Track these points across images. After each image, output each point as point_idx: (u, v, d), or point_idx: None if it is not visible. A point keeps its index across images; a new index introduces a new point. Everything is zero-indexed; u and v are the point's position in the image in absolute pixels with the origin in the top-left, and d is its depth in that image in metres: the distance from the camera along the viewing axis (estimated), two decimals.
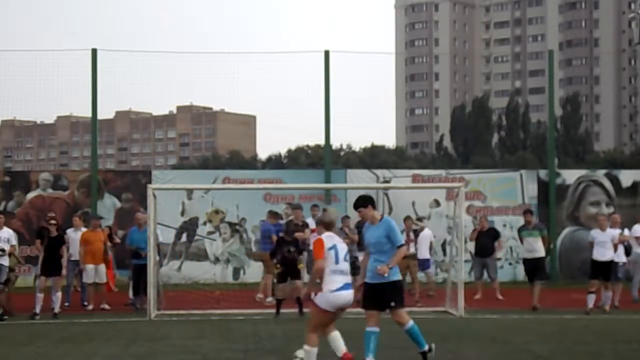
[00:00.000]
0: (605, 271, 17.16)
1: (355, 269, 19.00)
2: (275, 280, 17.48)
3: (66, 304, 17.88)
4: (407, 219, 19.86)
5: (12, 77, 24.08)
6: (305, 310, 16.54)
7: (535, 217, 19.06)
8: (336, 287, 9.97)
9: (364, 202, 10.62)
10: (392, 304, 10.35)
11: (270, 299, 18.43)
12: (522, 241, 18.18)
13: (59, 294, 16.59)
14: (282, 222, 19.41)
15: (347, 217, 19.58)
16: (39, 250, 17.02)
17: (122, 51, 30.77)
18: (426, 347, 10.51)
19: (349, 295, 10.06)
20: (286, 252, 16.56)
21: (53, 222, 16.84)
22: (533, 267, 17.79)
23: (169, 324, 15.57)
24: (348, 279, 10.14)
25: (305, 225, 18.77)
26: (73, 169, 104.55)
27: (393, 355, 11.43)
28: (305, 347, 10.07)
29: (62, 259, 16.65)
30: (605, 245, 17.19)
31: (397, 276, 10.51)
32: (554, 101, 26.21)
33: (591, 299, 16.98)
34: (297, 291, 16.52)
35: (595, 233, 17.48)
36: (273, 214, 19.38)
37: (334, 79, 23.22)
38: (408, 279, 18.98)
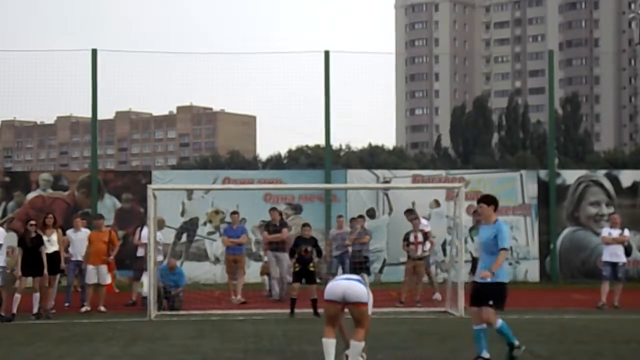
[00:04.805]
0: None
1: (366, 269, 19.15)
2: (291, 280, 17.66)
3: (66, 304, 17.88)
4: (414, 218, 19.66)
5: (12, 77, 24.10)
6: (319, 310, 16.55)
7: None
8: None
9: (490, 200, 10.61)
10: (490, 302, 10.36)
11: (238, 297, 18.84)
12: (473, 240, 17.91)
13: (37, 294, 16.54)
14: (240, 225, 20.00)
15: (361, 216, 19.48)
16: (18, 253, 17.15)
17: (122, 51, 30.84)
18: (516, 342, 10.58)
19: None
20: (303, 250, 16.61)
21: (32, 222, 16.89)
22: None
23: (169, 324, 15.57)
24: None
25: (284, 225, 18.87)
26: (73, 169, 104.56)
27: (393, 355, 11.42)
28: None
29: (42, 259, 16.57)
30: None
31: (501, 278, 10.49)
32: (554, 101, 26.21)
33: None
34: (309, 292, 16.60)
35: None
36: (233, 214, 19.91)
37: (334, 79, 23.24)
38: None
